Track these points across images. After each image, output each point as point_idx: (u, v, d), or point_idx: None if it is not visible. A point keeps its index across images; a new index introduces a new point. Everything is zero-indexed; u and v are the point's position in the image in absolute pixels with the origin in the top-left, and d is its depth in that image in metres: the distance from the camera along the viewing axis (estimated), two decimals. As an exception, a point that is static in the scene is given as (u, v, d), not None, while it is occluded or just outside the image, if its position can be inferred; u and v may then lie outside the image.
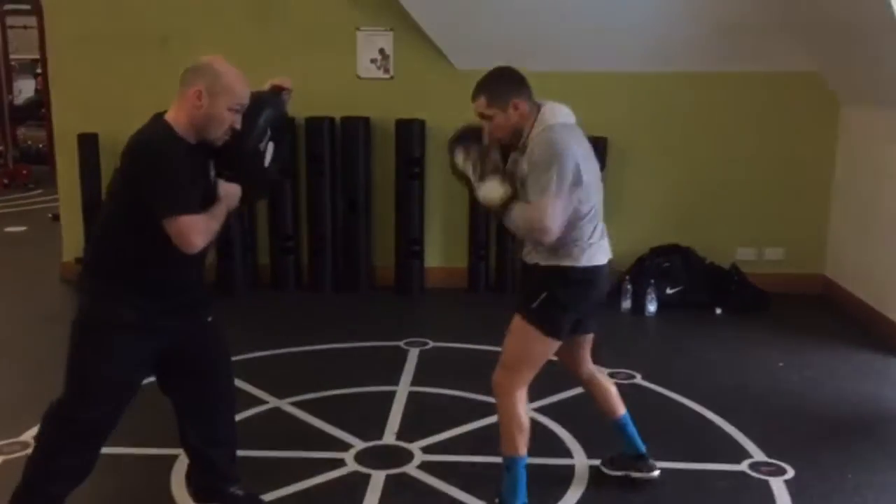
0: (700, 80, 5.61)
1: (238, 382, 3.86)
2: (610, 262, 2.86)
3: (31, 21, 10.61)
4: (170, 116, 2.42)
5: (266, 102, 2.60)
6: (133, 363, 2.47)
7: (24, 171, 10.48)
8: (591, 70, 5.57)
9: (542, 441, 3.48)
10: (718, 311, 5.39)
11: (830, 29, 5.01)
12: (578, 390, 3.94)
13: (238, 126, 2.44)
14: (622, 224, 5.63)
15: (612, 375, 4.11)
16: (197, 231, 2.34)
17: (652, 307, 5.34)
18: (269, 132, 2.58)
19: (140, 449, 3.33)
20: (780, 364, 4.47)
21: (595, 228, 2.77)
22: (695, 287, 5.47)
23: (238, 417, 3.40)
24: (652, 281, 5.38)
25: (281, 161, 2.75)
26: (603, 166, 5.53)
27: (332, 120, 5.67)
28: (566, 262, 2.72)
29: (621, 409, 3.09)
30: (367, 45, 5.68)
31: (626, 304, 5.41)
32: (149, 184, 2.34)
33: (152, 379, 2.66)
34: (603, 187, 2.85)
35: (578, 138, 2.74)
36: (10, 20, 10.89)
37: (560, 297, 2.73)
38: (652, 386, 4.13)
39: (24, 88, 12.67)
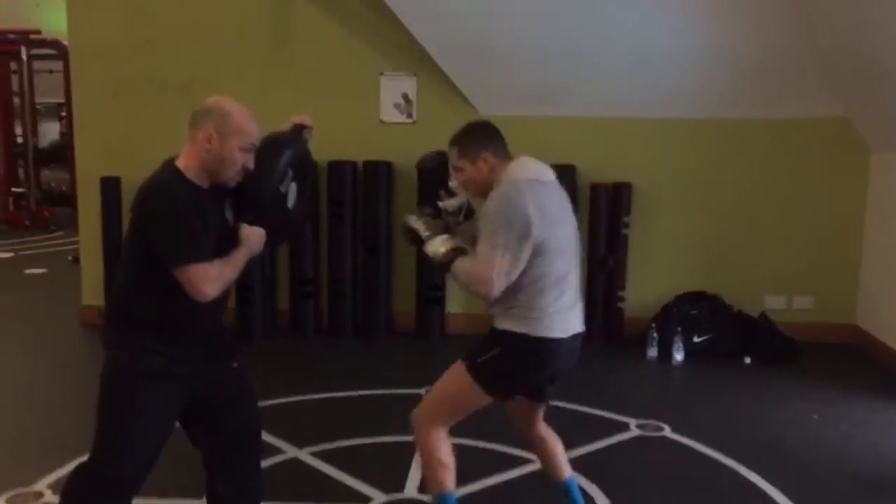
0: (727, 126, 5.57)
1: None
2: (577, 336, 2.68)
3: (57, 66, 10.79)
4: (180, 162, 2.38)
5: (286, 143, 2.55)
6: (163, 412, 2.42)
7: (47, 213, 10.58)
8: (615, 115, 5.57)
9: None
10: (747, 360, 5.27)
11: (859, 74, 4.96)
12: (609, 441, 3.92)
13: (251, 166, 2.39)
14: (648, 271, 5.69)
15: (639, 427, 4.09)
16: (207, 280, 2.28)
17: (679, 356, 5.23)
18: (290, 173, 2.53)
19: (155, 500, 3.22)
20: (815, 417, 4.34)
21: (560, 297, 2.60)
22: (723, 336, 5.36)
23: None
24: (679, 329, 5.28)
25: (306, 201, 2.69)
26: (627, 212, 5.55)
27: (354, 164, 5.66)
28: (518, 329, 2.58)
29: (566, 472, 2.94)
30: (390, 90, 5.70)
31: (653, 352, 5.32)
32: (158, 232, 2.30)
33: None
34: (577, 256, 2.71)
35: (545, 196, 2.61)
36: (36, 64, 11.07)
37: (510, 363, 2.61)
38: (682, 439, 4.00)
39: (49, 131, 12.86)
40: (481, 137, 2.69)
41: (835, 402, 4.56)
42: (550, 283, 2.58)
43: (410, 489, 3.42)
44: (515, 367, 2.62)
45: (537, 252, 2.54)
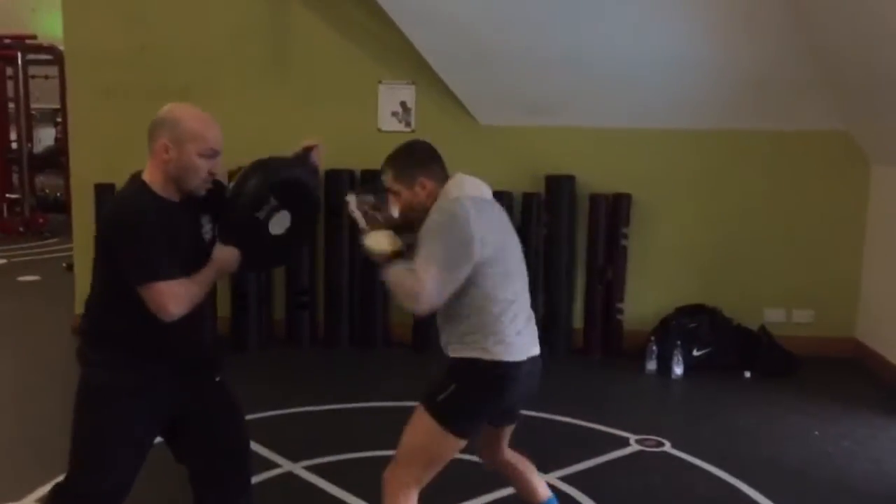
0: (728, 137, 5.53)
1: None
2: (535, 359, 2.54)
3: (53, 71, 10.73)
4: (146, 175, 2.33)
5: (271, 166, 2.44)
6: (138, 429, 2.36)
7: (41, 220, 10.50)
8: (614, 126, 5.53)
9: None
10: (747, 374, 5.22)
11: (860, 87, 4.93)
12: (608, 456, 3.88)
13: (217, 170, 2.32)
14: (647, 283, 5.65)
15: (639, 442, 4.05)
16: (172, 298, 2.22)
17: (678, 369, 5.17)
18: (270, 200, 2.40)
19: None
20: (816, 433, 4.29)
21: (515, 319, 2.48)
22: (723, 349, 5.31)
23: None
24: (678, 342, 5.22)
25: (303, 227, 2.56)
26: (627, 223, 5.52)
27: (351, 172, 5.61)
28: (477, 355, 2.43)
29: (544, 495, 2.76)
30: (388, 98, 5.66)
31: (652, 365, 5.26)
32: (122, 250, 2.24)
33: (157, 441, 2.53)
34: (526, 274, 2.58)
35: (488, 214, 2.50)
36: (32, 70, 11.01)
37: (471, 393, 2.46)
38: (682, 455, 3.95)
39: (44, 137, 12.78)
40: (418, 160, 2.57)
41: (836, 418, 4.51)
42: (503, 305, 2.45)
43: (407, 505, 3.36)
44: (477, 399, 2.47)
45: (482, 272, 2.42)
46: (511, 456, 2.76)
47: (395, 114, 5.67)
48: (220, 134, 2.32)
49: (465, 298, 2.44)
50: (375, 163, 5.49)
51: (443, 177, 2.56)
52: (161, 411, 2.38)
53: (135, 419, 2.33)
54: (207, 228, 2.41)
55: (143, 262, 2.22)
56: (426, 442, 2.48)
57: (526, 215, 5.51)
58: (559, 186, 5.54)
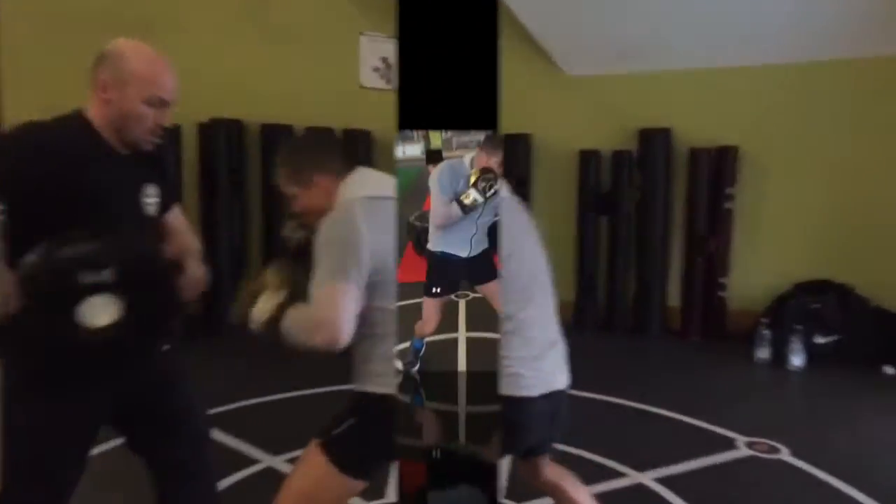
0: (858, 68, 4.98)
1: (223, 437, 3.60)
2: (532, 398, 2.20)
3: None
4: (90, 112, 2.13)
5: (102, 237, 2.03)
6: (70, 427, 2.12)
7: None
8: (718, 66, 5.18)
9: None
10: (890, 370, 4.73)
11: None
12: (711, 460, 3.57)
13: (165, 122, 2.12)
14: (758, 254, 5.31)
15: (749, 446, 3.71)
16: None
17: (797, 360, 4.87)
18: (72, 263, 1.94)
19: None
20: None
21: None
22: (855, 336, 4.96)
23: (225, 482, 3.10)
24: (798, 327, 4.85)
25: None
26: (733, 182, 5.16)
27: (331, 131, 5.42)
28: (377, 390, 2.18)
29: None
30: (370, 52, 5.53)
31: (763, 353, 4.95)
32: None
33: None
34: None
35: (387, 216, 2.23)
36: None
37: (373, 432, 2.18)
38: (804, 466, 3.47)
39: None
40: (313, 155, 2.35)
41: None
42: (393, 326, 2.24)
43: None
44: (376, 441, 2.18)
45: (374, 284, 2.17)
46: (553, 474, 2.55)
47: (376, 69, 5.53)
48: (173, 81, 2.12)
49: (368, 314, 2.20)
50: (356, 121, 5.39)
51: (343, 172, 2.33)
52: (98, 404, 2.16)
53: (64, 416, 2.12)
54: (152, 202, 2.21)
55: None
56: (315, 481, 2.26)
57: (616, 177, 5.50)
58: (653, 141, 5.42)
